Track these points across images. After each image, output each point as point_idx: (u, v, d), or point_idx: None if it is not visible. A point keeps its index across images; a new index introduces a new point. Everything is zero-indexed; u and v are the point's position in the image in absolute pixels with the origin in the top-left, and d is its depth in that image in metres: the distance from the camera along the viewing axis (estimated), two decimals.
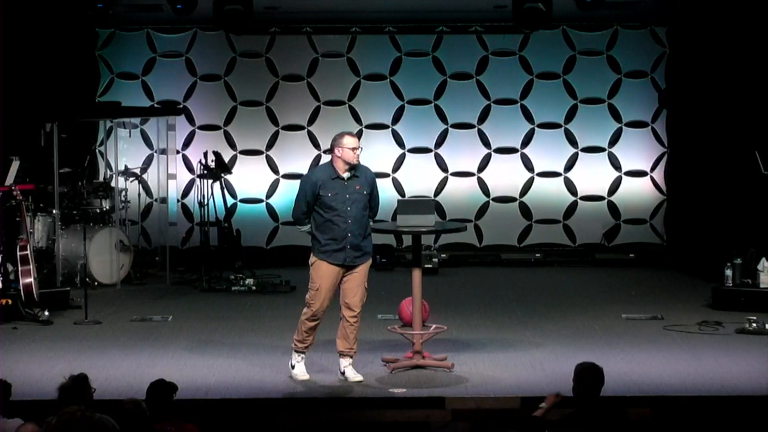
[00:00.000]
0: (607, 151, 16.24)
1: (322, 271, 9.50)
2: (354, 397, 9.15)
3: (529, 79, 16.20)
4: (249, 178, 16.13)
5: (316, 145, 16.12)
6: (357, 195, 9.52)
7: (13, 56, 13.48)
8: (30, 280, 12.02)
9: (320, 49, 16.24)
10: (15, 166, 12.83)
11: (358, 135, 16.01)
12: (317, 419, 8.88)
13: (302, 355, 9.70)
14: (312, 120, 16.24)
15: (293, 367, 9.70)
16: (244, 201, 16.23)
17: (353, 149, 9.48)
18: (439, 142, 16.28)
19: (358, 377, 9.63)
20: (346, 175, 9.52)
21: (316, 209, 9.52)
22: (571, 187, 16.26)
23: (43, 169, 14.05)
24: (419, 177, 16.27)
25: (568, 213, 16.27)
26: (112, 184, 14.78)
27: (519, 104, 16.22)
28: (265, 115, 16.26)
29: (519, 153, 16.25)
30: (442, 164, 16.29)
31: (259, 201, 16.29)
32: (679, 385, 9.37)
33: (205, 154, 14.73)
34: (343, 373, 9.66)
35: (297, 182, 10.20)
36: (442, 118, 16.26)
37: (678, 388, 9.26)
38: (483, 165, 16.28)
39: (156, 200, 15.71)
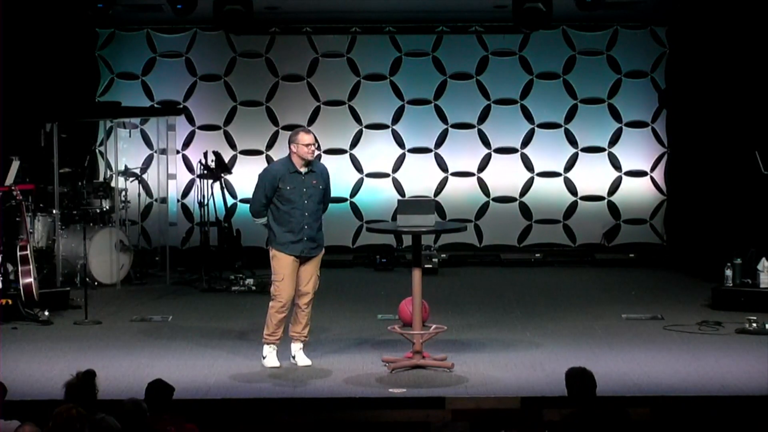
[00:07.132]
0: (607, 151, 16.23)
1: (283, 262, 9.96)
2: (354, 397, 9.14)
3: (529, 79, 16.19)
4: (249, 178, 16.04)
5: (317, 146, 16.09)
6: (313, 189, 10.00)
7: (13, 56, 13.47)
8: (30, 280, 12.01)
9: (320, 49, 16.23)
10: (15, 166, 12.82)
11: (357, 136, 16.28)
12: (317, 419, 8.88)
13: (273, 346, 9.99)
14: (312, 120, 16.22)
15: (265, 357, 10.00)
16: (244, 201, 16.15)
17: (307, 146, 9.99)
18: (439, 142, 16.27)
19: (308, 362, 10.02)
20: (303, 169, 10.00)
21: (274, 202, 10.03)
22: (571, 187, 16.25)
23: (43, 169, 14.04)
24: (419, 177, 16.26)
25: (568, 213, 16.26)
26: (112, 184, 14.77)
27: (519, 104, 16.21)
28: (265, 115, 16.25)
29: (519, 153, 16.24)
30: (442, 164, 16.28)
31: None
32: (679, 385, 9.37)
33: (205, 154, 14.72)
34: (293, 357, 10.05)
35: None
36: (442, 118, 16.25)
37: (678, 388, 9.25)
38: (483, 165, 16.27)
39: (156, 200, 15.70)
